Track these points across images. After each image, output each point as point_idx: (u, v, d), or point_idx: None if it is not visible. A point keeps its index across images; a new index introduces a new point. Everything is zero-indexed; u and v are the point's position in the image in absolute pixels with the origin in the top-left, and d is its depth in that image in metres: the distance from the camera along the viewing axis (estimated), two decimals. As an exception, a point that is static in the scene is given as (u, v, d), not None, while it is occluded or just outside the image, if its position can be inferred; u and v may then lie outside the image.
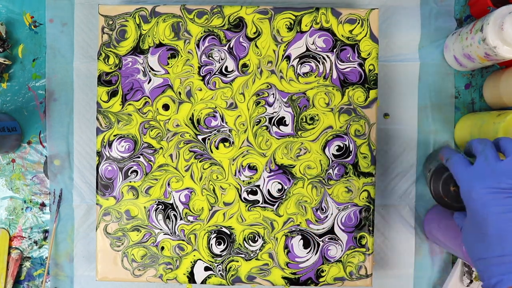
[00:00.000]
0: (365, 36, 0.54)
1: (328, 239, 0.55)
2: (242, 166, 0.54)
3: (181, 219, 0.54)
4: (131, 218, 0.55)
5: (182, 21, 0.54)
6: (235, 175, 0.54)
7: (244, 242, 0.55)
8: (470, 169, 0.41)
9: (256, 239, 0.54)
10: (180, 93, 0.55)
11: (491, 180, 0.39)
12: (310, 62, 0.54)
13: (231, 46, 0.54)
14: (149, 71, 0.55)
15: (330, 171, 0.55)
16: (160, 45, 0.54)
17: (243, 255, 0.54)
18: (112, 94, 0.55)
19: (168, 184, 0.55)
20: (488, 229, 0.38)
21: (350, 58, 0.54)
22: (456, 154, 0.44)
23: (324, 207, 0.55)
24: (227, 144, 0.54)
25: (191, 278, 0.54)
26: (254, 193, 0.54)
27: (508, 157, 0.40)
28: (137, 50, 0.55)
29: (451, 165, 0.43)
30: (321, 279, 0.54)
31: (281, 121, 0.55)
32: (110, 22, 0.55)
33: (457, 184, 0.43)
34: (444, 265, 0.61)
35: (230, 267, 0.54)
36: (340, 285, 0.54)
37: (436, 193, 0.49)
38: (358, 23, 0.54)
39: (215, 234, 0.55)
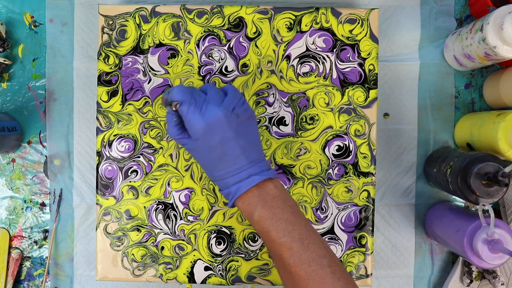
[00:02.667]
0: (365, 36, 0.54)
1: (328, 239, 0.55)
2: (242, 166, 0.54)
3: (181, 219, 0.54)
4: (131, 218, 0.55)
5: (182, 21, 0.54)
6: (235, 175, 0.54)
7: (244, 242, 0.55)
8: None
9: (256, 238, 0.54)
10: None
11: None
12: (310, 62, 0.54)
13: (231, 46, 0.54)
14: (149, 71, 0.55)
15: (330, 171, 0.55)
16: (160, 45, 0.54)
17: (243, 255, 0.55)
18: (112, 94, 0.55)
19: (168, 184, 0.55)
20: (223, 151, 0.45)
21: (350, 58, 0.54)
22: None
23: (324, 207, 0.55)
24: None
25: (191, 278, 0.54)
26: (254, 193, 0.54)
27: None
28: (137, 50, 0.55)
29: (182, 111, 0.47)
30: (321, 279, 0.54)
31: (281, 121, 0.55)
32: (110, 22, 0.55)
33: (488, 178, 0.49)
34: (444, 265, 0.61)
35: (230, 267, 0.54)
36: (340, 285, 0.54)
37: (462, 187, 0.51)
38: (358, 23, 0.54)
39: (215, 234, 0.55)
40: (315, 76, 0.54)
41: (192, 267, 0.54)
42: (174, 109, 0.46)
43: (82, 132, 0.61)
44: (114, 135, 0.55)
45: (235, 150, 0.45)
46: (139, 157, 0.55)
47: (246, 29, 0.54)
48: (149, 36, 0.54)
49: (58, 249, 0.61)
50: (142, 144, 0.55)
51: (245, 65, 0.55)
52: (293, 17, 0.54)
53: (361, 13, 0.54)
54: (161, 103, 0.53)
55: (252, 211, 0.45)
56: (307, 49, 0.54)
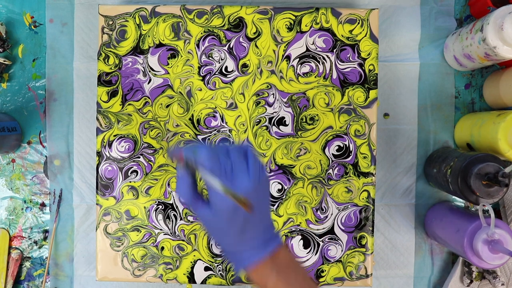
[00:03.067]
0: (365, 36, 0.54)
1: (328, 239, 0.55)
2: (242, 166, 0.54)
3: (181, 219, 0.54)
4: (131, 218, 0.55)
5: (182, 21, 0.54)
6: (235, 175, 0.54)
7: (244, 242, 0.54)
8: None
9: (256, 239, 0.54)
10: (180, 93, 0.55)
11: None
12: (310, 62, 0.54)
13: (231, 46, 0.54)
14: (149, 71, 0.55)
15: (330, 171, 0.54)
16: (160, 45, 0.54)
17: (243, 255, 0.54)
18: (112, 94, 0.55)
19: (168, 184, 0.55)
20: (245, 226, 0.41)
21: (350, 58, 0.54)
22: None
23: (324, 207, 0.55)
24: (227, 144, 0.54)
25: (191, 278, 0.54)
26: (254, 193, 0.54)
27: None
28: (137, 50, 0.55)
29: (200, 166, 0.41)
30: (321, 279, 0.54)
31: (281, 121, 0.55)
32: (110, 22, 0.55)
33: (488, 178, 0.48)
34: (444, 265, 0.61)
35: (230, 267, 0.54)
36: (340, 285, 0.54)
37: (462, 188, 0.50)
38: (358, 23, 0.54)
39: (215, 234, 0.54)
40: (315, 76, 0.54)
41: (192, 267, 0.54)
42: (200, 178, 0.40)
43: (82, 132, 0.61)
44: (114, 135, 0.55)
45: (258, 226, 0.42)
46: (139, 157, 0.55)
47: (246, 29, 0.54)
48: (149, 36, 0.54)
49: (58, 249, 0.61)
50: (142, 144, 0.55)
51: (245, 65, 0.55)
52: (293, 17, 0.54)
53: (361, 13, 0.54)
54: (173, 159, 0.42)
55: (266, 282, 0.43)
56: (307, 49, 0.54)
